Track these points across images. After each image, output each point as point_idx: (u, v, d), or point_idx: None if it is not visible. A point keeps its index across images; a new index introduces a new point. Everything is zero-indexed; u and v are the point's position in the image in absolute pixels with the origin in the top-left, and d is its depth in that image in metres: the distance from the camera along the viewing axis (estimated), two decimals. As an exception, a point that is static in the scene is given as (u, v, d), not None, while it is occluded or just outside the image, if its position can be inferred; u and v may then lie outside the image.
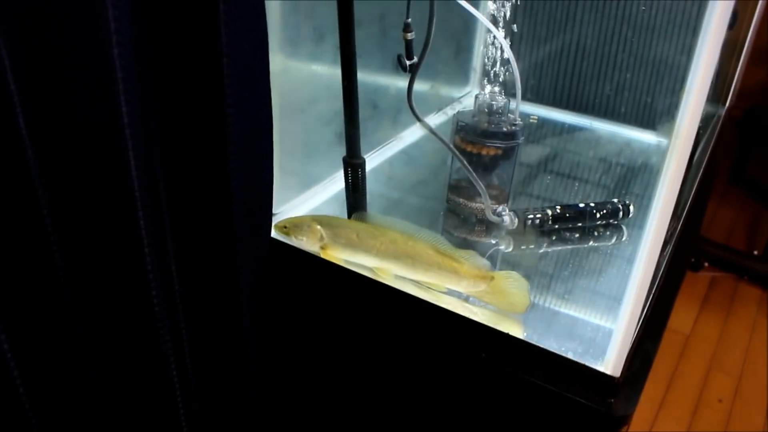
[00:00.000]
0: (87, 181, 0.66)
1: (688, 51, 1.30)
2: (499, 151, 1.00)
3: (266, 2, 0.75)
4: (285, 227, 0.92)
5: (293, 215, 1.01)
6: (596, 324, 0.88)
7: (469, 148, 0.99)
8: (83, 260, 0.71)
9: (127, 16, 0.60)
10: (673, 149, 0.66)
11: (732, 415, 1.89)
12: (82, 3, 0.56)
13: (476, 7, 0.99)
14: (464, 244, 0.95)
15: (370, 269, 0.90)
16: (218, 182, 0.77)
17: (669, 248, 1.06)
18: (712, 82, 0.67)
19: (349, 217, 0.97)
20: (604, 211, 1.07)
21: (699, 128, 0.66)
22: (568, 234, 1.06)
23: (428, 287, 0.90)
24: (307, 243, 0.93)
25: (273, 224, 0.94)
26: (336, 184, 1.12)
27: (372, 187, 1.00)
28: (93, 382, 0.79)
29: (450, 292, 0.91)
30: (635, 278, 0.75)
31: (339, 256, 0.92)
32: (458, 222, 1.05)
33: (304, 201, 1.08)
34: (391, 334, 0.91)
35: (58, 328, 0.72)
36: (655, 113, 1.39)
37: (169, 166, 0.76)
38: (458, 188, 1.05)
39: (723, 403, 1.93)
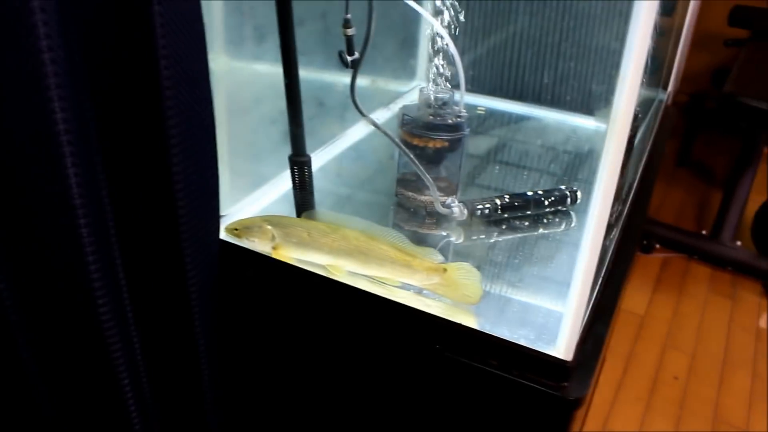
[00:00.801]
0: (23, 191, 0.64)
1: (623, 37, 1.32)
2: (446, 143, 1.00)
3: (207, 2, 0.74)
4: (236, 229, 0.91)
5: (243, 216, 0.99)
6: (548, 309, 0.89)
7: (415, 141, 0.99)
8: (23, 272, 0.69)
9: (56, 21, 0.58)
10: (611, 134, 0.67)
11: (687, 391, 1.94)
12: (6, 9, 0.54)
13: (418, 1, 0.99)
14: (415, 237, 0.95)
15: (323, 267, 0.89)
16: (162, 186, 0.76)
17: (616, 231, 1.07)
18: (647, 68, 0.67)
19: (299, 215, 0.96)
20: (552, 199, 1.08)
21: (636, 113, 0.67)
22: (517, 222, 1.04)
23: (382, 282, 0.89)
24: (258, 244, 0.92)
25: (223, 227, 0.93)
26: (284, 183, 1.08)
27: (321, 184, 0.99)
28: (42, 395, 0.77)
29: (404, 286, 0.90)
30: (581, 262, 0.76)
31: (291, 255, 0.91)
32: (408, 215, 1.04)
33: (253, 201, 1.06)
34: (347, 330, 0.89)
35: (1, 340, 0.70)
36: (597, 100, 1.41)
37: (111, 173, 0.74)
38: (407, 182, 1.05)
39: (678, 380, 1.97)
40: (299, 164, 0.91)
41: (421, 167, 0.93)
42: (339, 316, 0.90)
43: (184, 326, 0.88)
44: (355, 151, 1.24)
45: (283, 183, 1.10)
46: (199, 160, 0.80)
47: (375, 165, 1.21)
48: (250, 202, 1.06)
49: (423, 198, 1.04)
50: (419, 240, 0.95)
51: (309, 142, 0.96)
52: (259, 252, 0.94)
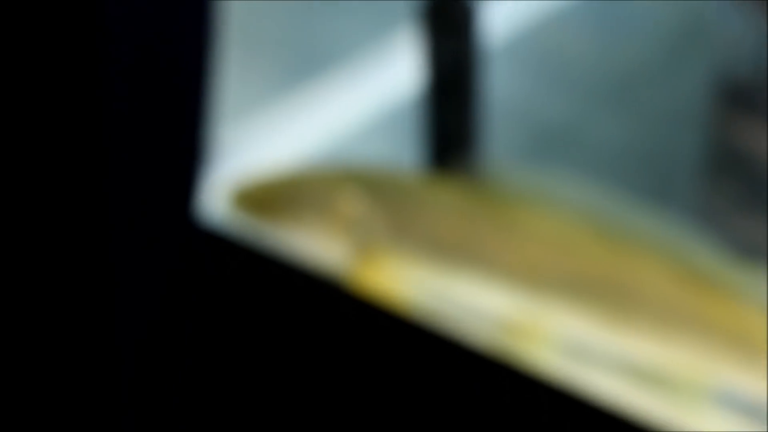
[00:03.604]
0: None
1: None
2: None
3: None
4: (266, 197, 0.43)
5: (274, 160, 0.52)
6: None
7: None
8: None
9: None
10: None
11: None
12: None
13: None
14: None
15: (498, 321, 0.43)
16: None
17: None
18: None
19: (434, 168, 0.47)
20: None
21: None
22: None
23: (655, 380, 0.42)
24: (321, 239, 0.43)
25: (220, 189, 0.43)
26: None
27: (501, 86, 0.49)
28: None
29: (724, 397, 0.41)
30: None
31: (408, 278, 0.42)
32: (744, 193, 0.52)
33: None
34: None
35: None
36: None
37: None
38: (749, 99, 0.53)
39: None
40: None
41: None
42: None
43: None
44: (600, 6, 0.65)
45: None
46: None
47: (653, 44, 0.61)
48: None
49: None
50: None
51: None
52: (318, 265, 0.41)
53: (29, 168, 0.39)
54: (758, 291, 0.40)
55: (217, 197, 0.42)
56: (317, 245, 0.43)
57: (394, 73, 0.57)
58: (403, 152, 0.51)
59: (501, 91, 0.50)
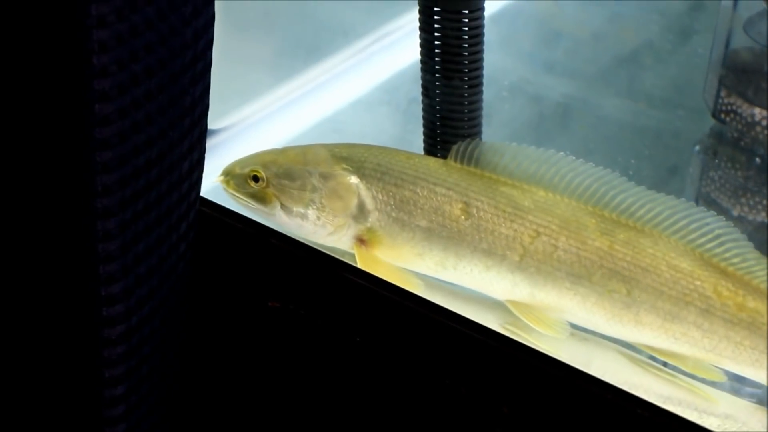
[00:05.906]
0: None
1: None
2: None
3: None
4: (254, 177, 0.40)
5: (263, 145, 0.46)
6: None
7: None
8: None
9: None
10: None
11: None
12: None
13: None
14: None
15: (502, 306, 0.40)
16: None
17: None
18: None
19: (432, 152, 0.44)
20: None
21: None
22: None
23: (655, 360, 0.40)
24: (315, 224, 0.40)
25: (213, 175, 0.41)
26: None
27: (499, 64, 0.50)
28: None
29: (730, 385, 0.39)
30: None
31: (406, 263, 0.40)
32: (745, 172, 0.51)
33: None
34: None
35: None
36: None
37: None
38: (748, 76, 0.51)
39: None
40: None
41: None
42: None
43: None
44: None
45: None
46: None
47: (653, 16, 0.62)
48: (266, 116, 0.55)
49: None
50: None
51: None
52: (314, 246, 0.39)
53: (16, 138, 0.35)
54: (761, 273, 0.40)
55: (215, 177, 0.40)
56: (315, 227, 0.41)
57: (394, 52, 0.53)
58: (401, 131, 0.49)
59: (500, 69, 0.49)
